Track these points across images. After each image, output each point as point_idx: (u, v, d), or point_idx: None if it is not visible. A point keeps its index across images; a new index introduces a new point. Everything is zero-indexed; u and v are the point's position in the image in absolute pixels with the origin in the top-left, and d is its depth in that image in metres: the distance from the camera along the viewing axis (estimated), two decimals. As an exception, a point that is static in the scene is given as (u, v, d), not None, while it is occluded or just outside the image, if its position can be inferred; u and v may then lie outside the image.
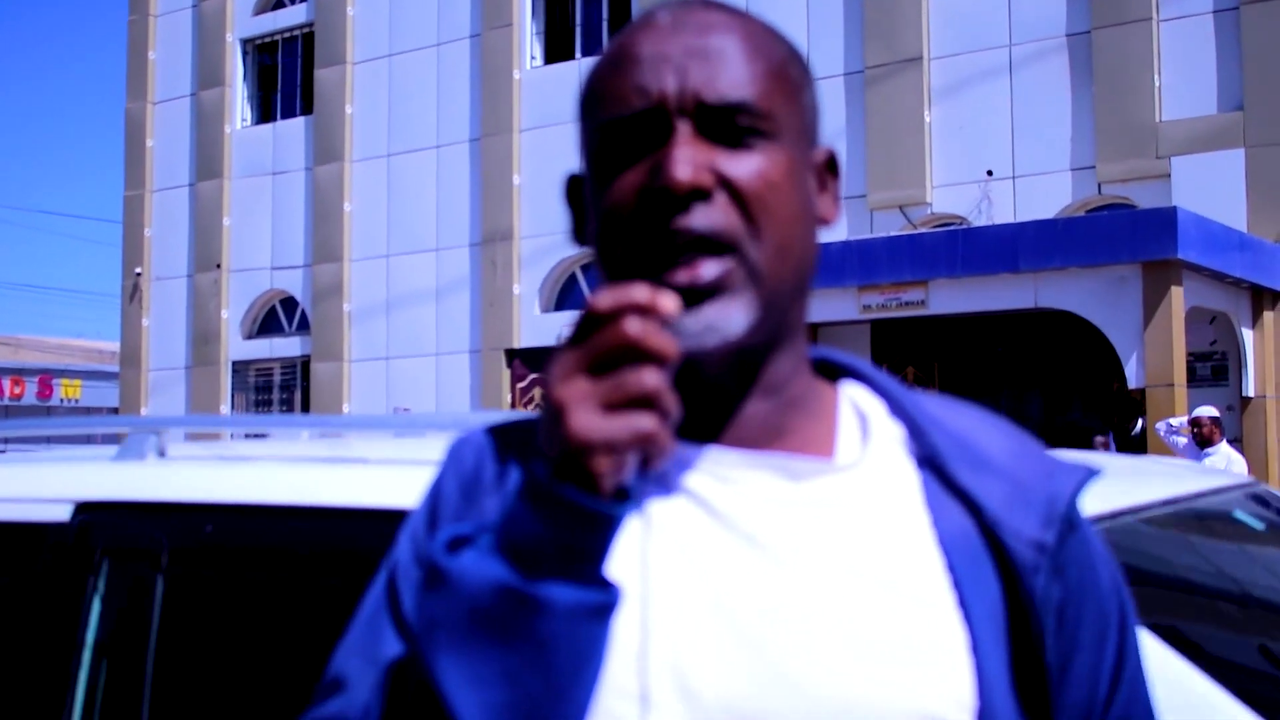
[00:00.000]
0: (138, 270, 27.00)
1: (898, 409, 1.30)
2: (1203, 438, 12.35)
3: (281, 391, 25.53)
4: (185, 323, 26.35)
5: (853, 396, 1.31)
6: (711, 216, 1.15)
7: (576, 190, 1.30)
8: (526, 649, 1.01)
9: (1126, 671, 1.27)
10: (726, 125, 1.18)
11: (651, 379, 0.99)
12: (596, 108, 1.21)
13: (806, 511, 1.19)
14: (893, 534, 1.20)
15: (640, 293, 1.00)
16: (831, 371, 1.33)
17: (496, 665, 1.02)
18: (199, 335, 25.96)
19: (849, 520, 1.20)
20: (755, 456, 1.21)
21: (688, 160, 1.14)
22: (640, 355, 0.99)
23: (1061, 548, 1.22)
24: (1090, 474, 1.27)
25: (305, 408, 24.60)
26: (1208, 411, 12.48)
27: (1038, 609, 1.20)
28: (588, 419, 0.99)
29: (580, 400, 1.00)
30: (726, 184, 1.16)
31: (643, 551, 1.16)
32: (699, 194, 1.14)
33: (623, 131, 1.19)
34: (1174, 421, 12.58)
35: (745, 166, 1.17)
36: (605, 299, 1.00)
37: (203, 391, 25.71)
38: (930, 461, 1.25)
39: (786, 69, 1.23)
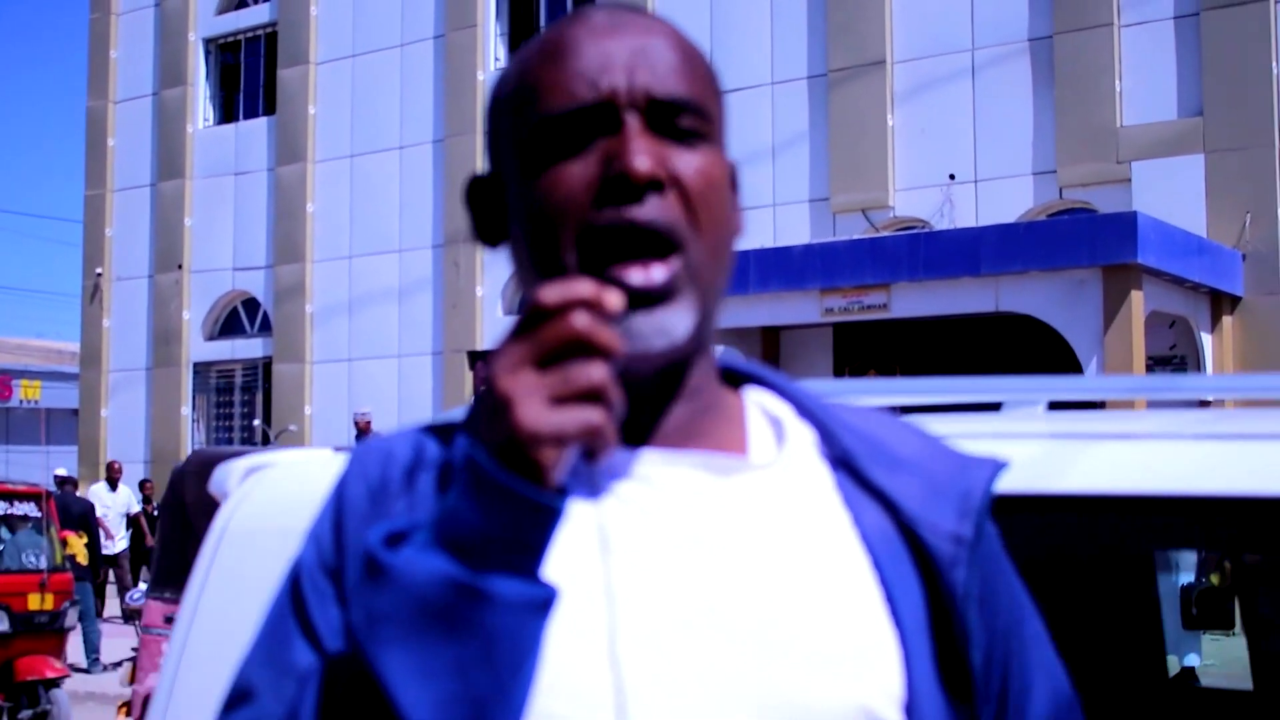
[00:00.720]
0: (98, 270, 26.85)
1: (806, 412, 1.31)
2: None
3: (243, 393, 25.43)
4: (146, 323, 26.21)
5: (760, 401, 1.32)
6: (664, 210, 1.17)
7: (480, 192, 1.31)
8: (473, 642, 1.01)
9: (1039, 657, 1.30)
10: (670, 123, 1.20)
11: (599, 372, 1.00)
12: (531, 102, 1.22)
13: (731, 506, 1.20)
14: (817, 531, 1.22)
15: (586, 288, 1.00)
16: (734, 379, 1.34)
17: (443, 658, 1.01)
18: (160, 336, 25.83)
19: (774, 516, 1.21)
20: (678, 454, 1.22)
21: (645, 151, 1.16)
22: (587, 349, 1.00)
23: (978, 540, 1.24)
24: (1000, 466, 1.29)
25: (266, 410, 24.50)
26: None
27: (958, 602, 1.22)
28: (536, 412, 0.99)
29: (528, 393, 1.00)
30: (676, 181, 1.18)
31: (599, 553, 1.17)
32: (654, 185, 1.16)
33: (563, 126, 1.19)
34: None
35: (690, 164, 1.20)
36: (552, 293, 1.01)
37: (163, 393, 25.58)
38: (843, 462, 1.27)
39: (714, 78, 1.27)
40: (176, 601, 9.05)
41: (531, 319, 1.01)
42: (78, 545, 12.41)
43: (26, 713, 11.10)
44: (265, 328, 24.94)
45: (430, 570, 1.01)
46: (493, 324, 21.82)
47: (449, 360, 22.07)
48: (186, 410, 25.47)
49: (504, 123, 1.26)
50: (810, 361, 17.16)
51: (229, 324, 25.75)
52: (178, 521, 9.05)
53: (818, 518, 1.22)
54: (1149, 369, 14.49)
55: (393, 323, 23.01)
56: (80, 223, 27.57)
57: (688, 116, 1.20)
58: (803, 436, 1.29)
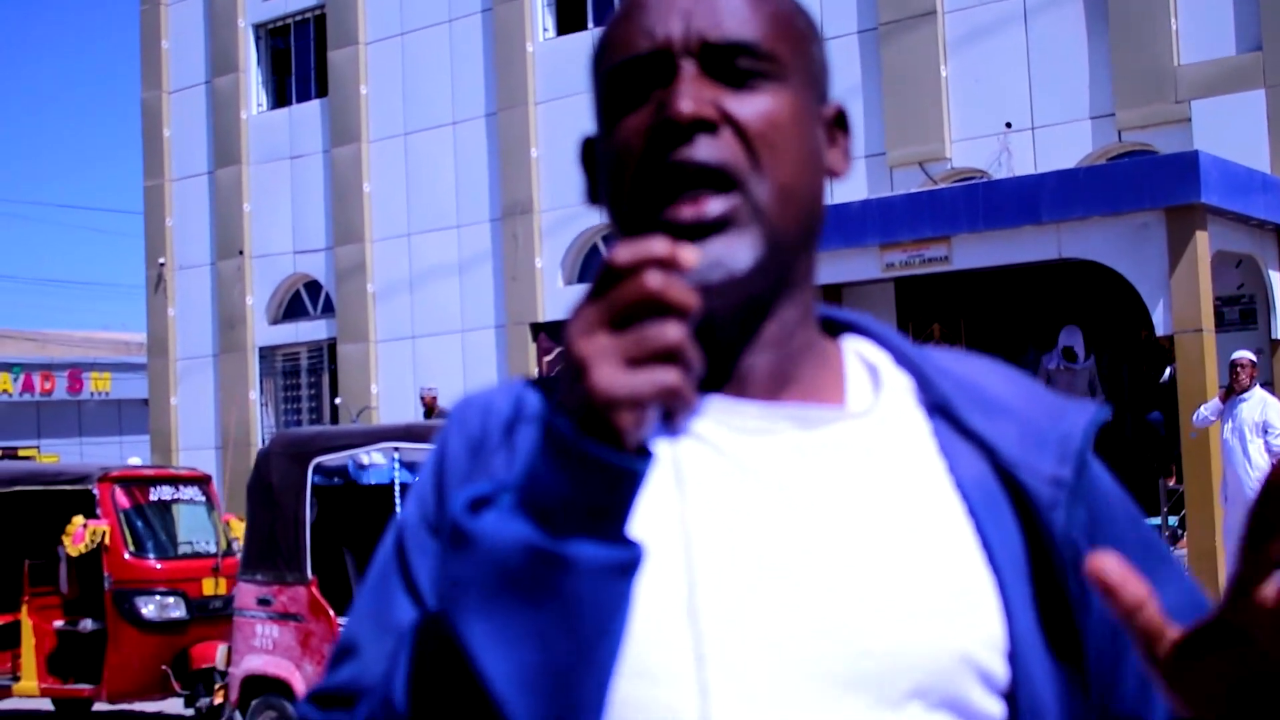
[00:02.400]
0: (160, 260, 27.08)
1: (903, 360, 1.31)
2: (1238, 383, 12.34)
3: (309, 375, 25.60)
4: (210, 310, 26.43)
5: (858, 349, 1.32)
6: (716, 149, 1.17)
7: (591, 152, 1.32)
8: (554, 608, 1.00)
9: (1183, 589, 1.27)
10: (731, 66, 1.20)
11: (674, 332, 0.98)
12: (606, 56, 1.24)
13: (826, 457, 1.20)
14: (912, 479, 1.21)
15: (659, 246, 0.99)
16: (833, 329, 1.34)
17: (525, 626, 1.01)
18: (224, 322, 26.04)
19: (868, 466, 1.21)
20: (770, 406, 1.22)
21: (690, 94, 1.16)
22: (662, 309, 0.98)
23: (1078, 482, 1.23)
24: (1100, 412, 1.28)
25: (333, 391, 24.67)
26: (1243, 355, 12.47)
27: (1058, 545, 1.20)
28: (612, 374, 0.98)
29: (603, 355, 0.98)
30: (732, 122, 1.18)
31: (677, 505, 1.16)
32: (703, 125, 1.16)
33: (629, 76, 1.21)
34: (1204, 410, 12.57)
35: (750, 105, 1.19)
36: (624, 253, 0.99)
37: (230, 378, 25.80)
38: (940, 409, 1.27)
39: (792, 17, 1.26)
40: (268, 584, 9.17)
41: (606, 279, 1.00)
42: (240, 529, 12.52)
43: (205, 700, 11.05)
44: (328, 309, 25.08)
45: (510, 536, 1.01)
46: (554, 295, 21.84)
47: (512, 333, 22.13)
48: (254, 394, 25.67)
49: (592, 81, 1.29)
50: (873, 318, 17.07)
51: (292, 307, 25.92)
52: (265, 503, 9.13)
53: (912, 466, 1.22)
54: (1217, 310, 14.33)
55: (454, 298, 23.08)
56: (140, 214, 27.83)
57: (747, 58, 1.20)
58: (899, 384, 1.29)
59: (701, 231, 1.15)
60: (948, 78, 18.56)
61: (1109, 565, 0.95)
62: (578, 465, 1.00)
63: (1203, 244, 13.36)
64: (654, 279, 0.98)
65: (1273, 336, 15.41)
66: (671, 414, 1.02)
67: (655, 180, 1.17)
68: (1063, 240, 14.03)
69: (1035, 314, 16.96)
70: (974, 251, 14.63)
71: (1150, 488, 13.99)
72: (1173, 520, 13.66)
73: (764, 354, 1.23)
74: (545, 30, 22.77)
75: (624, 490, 1.01)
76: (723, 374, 1.21)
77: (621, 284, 0.99)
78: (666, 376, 0.98)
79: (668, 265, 0.99)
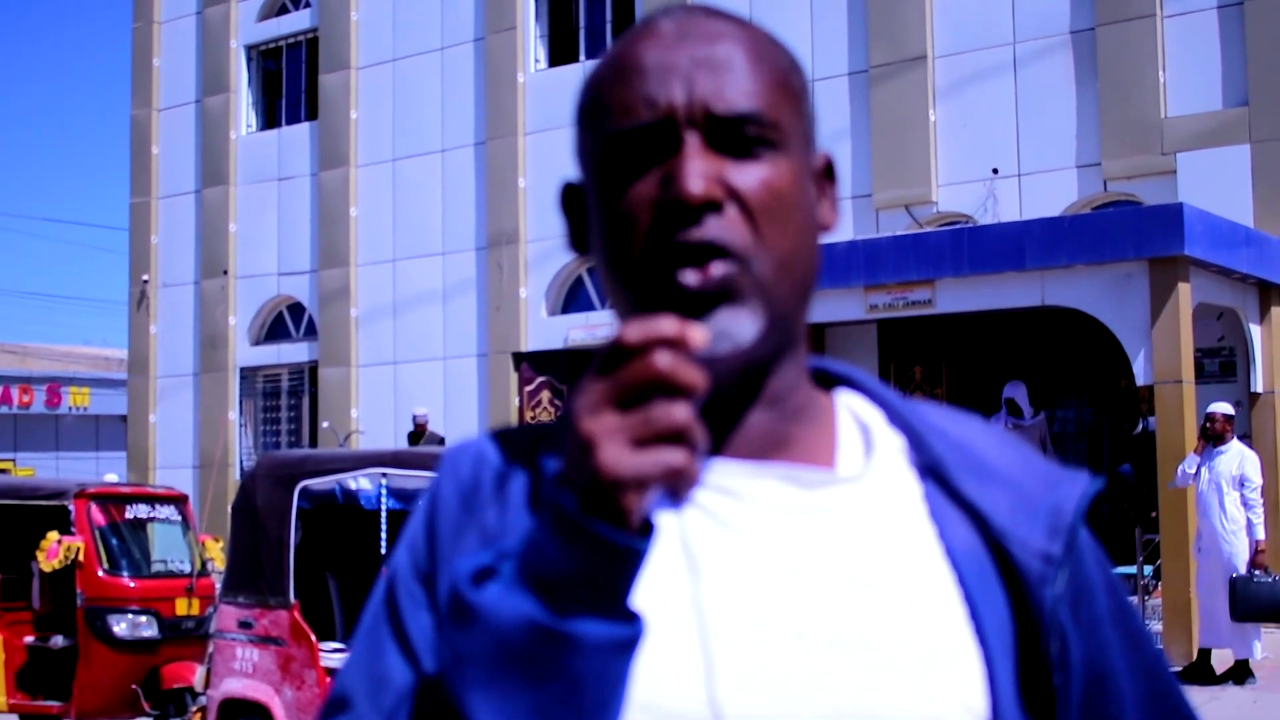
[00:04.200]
0: (145, 277, 27.02)
1: (897, 418, 1.30)
2: (1214, 434, 12.37)
3: (290, 397, 25.54)
4: (192, 329, 26.37)
5: (851, 405, 1.32)
6: (722, 228, 1.16)
7: (573, 198, 1.31)
8: (558, 685, 1.01)
9: (1146, 663, 1.29)
10: (735, 136, 1.18)
11: (682, 413, 0.98)
12: (601, 118, 1.22)
13: (817, 520, 1.20)
14: (902, 546, 1.21)
15: (668, 326, 0.99)
16: (827, 381, 1.33)
17: (528, 700, 1.01)
18: (206, 342, 25.98)
19: (859, 531, 1.20)
20: (761, 466, 1.21)
21: (699, 173, 1.15)
22: (670, 389, 0.98)
23: (1067, 558, 1.23)
24: (1093, 483, 1.29)
25: (313, 413, 24.61)
26: (1219, 408, 12.49)
27: (1045, 619, 1.21)
28: (619, 454, 0.98)
29: (610, 435, 0.99)
30: (735, 195, 1.17)
31: (683, 579, 1.16)
32: (710, 206, 1.15)
33: (630, 142, 1.19)
34: (1183, 466, 12.61)
35: (753, 178, 1.18)
36: (633, 332, 0.99)
37: (211, 398, 25.73)
38: (933, 471, 1.26)
39: (789, 78, 1.24)
40: (250, 607, 9.12)
41: (613, 357, 1.00)
42: (215, 549, 12.41)
43: None
44: (311, 332, 25.04)
45: (514, 612, 1.01)
46: (537, 325, 21.85)
47: (494, 362, 22.12)
48: (234, 415, 25.60)
49: (581, 135, 1.26)
50: (856, 359, 17.11)
51: (274, 329, 25.87)
52: (249, 525, 9.08)
53: (903, 532, 1.22)
54: (1197, 361, 14.40)
55: (437, 325, 23.07)
56: (126, 230, 27.75)
57: (752, 126, 1.19)
58: (892, 444, 1.28)
59: (707, 302, 1.15)
60: (936, 122, 18.65)
61: None
62: (583, 543, 1.00)
63: (1185, 296, 13.43)
64: (663, 359, 0.98)
65: (1252, 389, 15.47)
66: (676, 492, 1.02)
67: (663, 254, 1.16)
68: (1046, 287, 14.09)
69: (1017, 359, 17.01)
70: (958, 295, 14.68)
71: (1126, 538, 14.01)
72: (1148, 570, 13.69)
73: (760, 415, 1.23)
74: (536, 61, 22.84)
75: (627, 568, 1.01)
76: (718, 435, 1.21)
77: (630, 363, 0.99)
78: (673, 457, 0.98)
79: (676, 345, 0.99)
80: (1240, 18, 16.61)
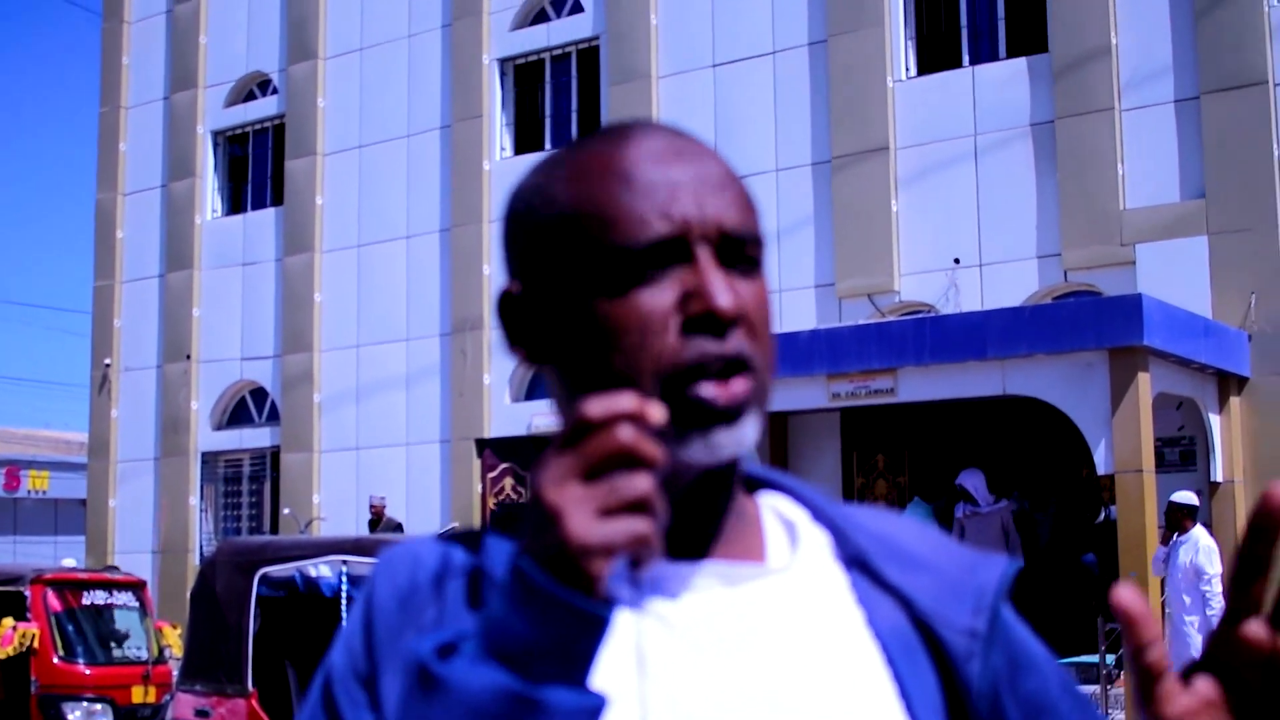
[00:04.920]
0: (107, 361, 26.92)
1: (820, 515, 1.35)
2: (1174, 525, 12.39)
3: (251, 483, 25.41)
4: (154, 413, 26.24)
5: (774, 505, 1.36)
6: (741, 342, 1.21)
7: (514, 305, 1.31)
8: None
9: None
10: (738, 253, 1.23)
11: (644, 483, 1.02)
12: (597, 228, 1.23)
13: (751, 615, 1.23)
14: (833, 631, 1.25)
15: (629, 402, 1.02)
16: (750, 486, 1.37)
17: None
18: (168, 425, 25.86)
19: (790, 621, 1.24)
20: (693, 566, 1.25)
21: (726, 289, 1.20)
22: (632, 461, 1.02)
23: (993, 634, 1.28)
24: (1011, 564, 1.33)
25: (275, 499, 24.47)
26: (1178, 498, 12.51)
27: (974, 696, 1.25)
28: (586, 523, 1.01)
29: (576, 505, 1.01)
30: (744, 312, 1.22)
31: (623, 667, 1.19)
32: (735, 321, 1.20)
33: (638, 255, 1.21)
34: (1159, 557, 12.64)
35: (752, 294, 1.24)
36: (596, 408, 1.02)
37: (171, 482, 25.57)
38: (858, 562, 1.30)
39: (756, 203, 1.30)
40: (207, 694, 9.01)
41: (577, 432, 1.03)
42: (172, 636, 12.26)
43: None
44: (273, 417, 24.96)
45: (485, 682, 1.02)
46: (500, 411, 21.83)
47: (457, 448, 22.07)
48: (194, 500, 25.44)
49: (550, 244, 1.26)
50: (818, 447, 17.17)
51: (237, 414, 25.78)
52: (208, 612, 9.01)
53: (832, 619, 1.25)
54: (1157, 450, 14.48)
55: (400, 411, 23.03)
56: (89, 314, 27.68)
57: (752, 246, 1.25)
58: (816, 539, 1.32)
59: (730, 415, 1.19)
60: (898, 212, 18.82)
61: (1133, 601, 1.04)
62: (549, 610, 1.02)
63: (1145, 385, 13.54)
64: (626, 433, 1.02)
65: (1212, 479, 15.57)
66: (638, 561, 1.05)
67: (682, 367, 1.19)
68: (1007, 376, 14.19)
69: (979, 448, 17.08)
70: (920, 384, 14.76)
71: (1089, 627, 14.02)
72: (1110, 659, 13.68)
73: (700, 515, 1.27)
74: (502, 149, 22.98)
75: (592, 635, 1.03)
76: (670, 536, 1.22)
77: (592, 437, 1.02)
78: (637, 526, 1.01)
79: (637, 420, 1.02)
80: (1197, 112, 16.87)
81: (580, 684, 1.04)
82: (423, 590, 1.24)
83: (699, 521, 1.26)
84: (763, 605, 1.24)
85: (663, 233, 1.21)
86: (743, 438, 1.20)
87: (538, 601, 1.02)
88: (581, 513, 1.01)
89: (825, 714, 1.19)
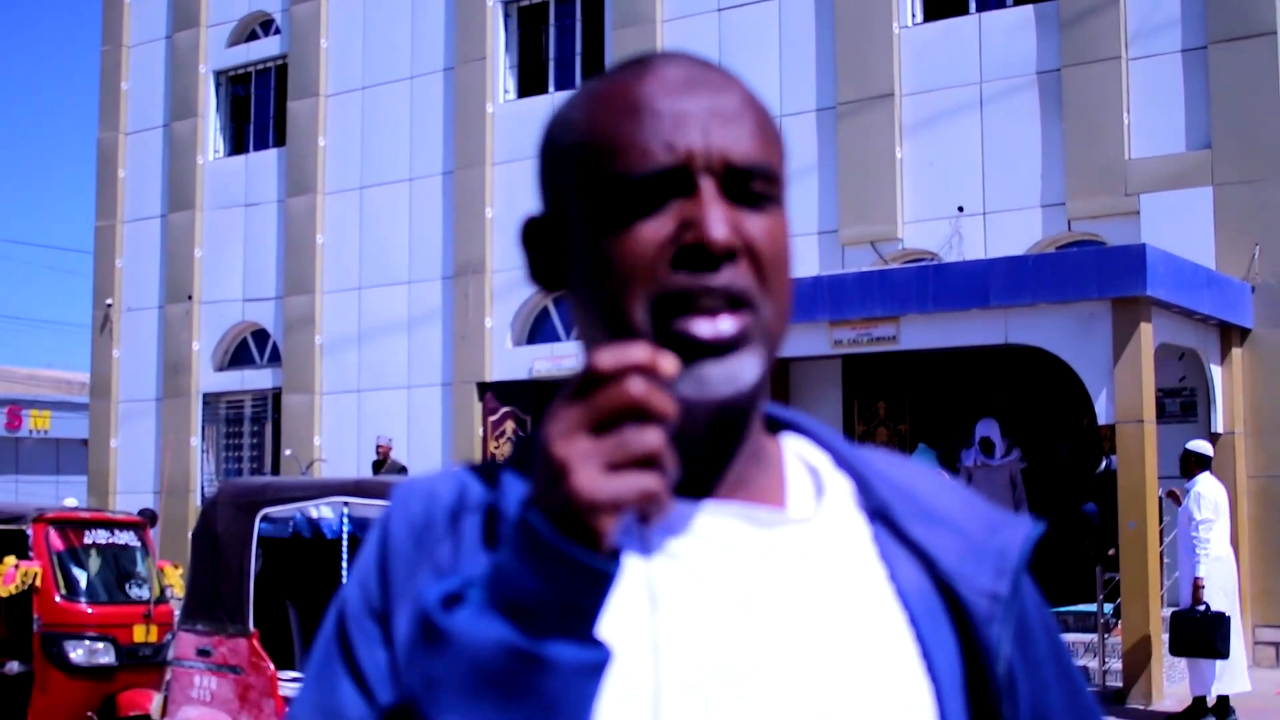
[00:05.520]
0: (108, 301, 26.90)
1: (843, 462, 1.33)
2: (1186, 471, 12.68)
3: (252, 424, 25.44)
4: (156, 354, 26.25)
5: (797, 449, 1.34)
6: (737, 275, 1.17)
7: (537, 233, 1.31)
8: (531, 708, 1.01)
9: (1080, 707, 1.33)
10: (745, 187, 1.20)
11: (654, 438, 1.00)
12: (605, 156, 1.21)
13: (771, 560, 1.22)
14: (854, 587, 1.23)
15: (641, 353, 1.01)
16: (772, 425, 1.35)
17: None
18: (169, 367, 25.87)
19: (812, 572, 1.22)
20: (719, 505, 1.23)
21: (722, 220, 1.17)
22: (642, 415, 1.00)
23: (1014, 598, 1.26)
24: (1036, 527, 1.32)
25: (276, 440, 24.51)
26: (1192, 446, 12.83)
27: (993, 658, 1.24)
28: (592, 478, 1.00)
29: (584, 459, 1.00)
30: (748, 245, 1.19)
31: (640, 614, 1.18)
32: (730, 255, 1.17)
33: (640, 184, 1.19)
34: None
35: (761, 228, 1.20)
36: (606, 359, 1.01)
37: (173, 423, 25.60)
38: (880, 514, 1.28)
39: (779, 133, 1.27)
40: (209, 634, 9.06)
41: (586, 383, 1.02)
42: (174, 576, 12.28)
43: None
44: (275, 359, 24.96)
45: (488, 635, 1.01)
46: (502, 355, 21.83)
47: (458, 391, 22.09)
48: (196, 441, 25.48)
49: (567, 171, 1.25)
50: (820, 394, 17.17)
51: (238, 355, 25.78)
52: (210, 552, 9.03)
53: (855, 573, 1.24)
54: (1158, 401, 14.49)
55: (402, 354, 23.03)
56: (91, 254, 27.64)
57: (760, 181, 1.21)
58: (840, 487, 1.30)
59: (720, 349, 1.17)
60: (902, 159, 18.76)
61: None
62: (555, 565, 1.01)
63: (1147, 336, 13.52)
64: (636, 386, 1.00)
65: (1212, 430, 15.58)
66: (647, 517, 1.04)
67: (674, 299, 1.17)
68: (1010, 326, 14.18)
69: (980, 397, 17.09)
70: (922, 332, 14.75)
71: (1087, 577, 14.07)
72: (1108, 608, 13.74)
73: (722, 456, 1.25)
74: (506, 92, 22.88)
75: (598, 590, 1.03)
76: (690, 477, 1.22)
77: (603, 389, 1.01)
78: (646, 481, 1.00)
79: (648, 372, 1.01)
80: (1204, 61, 16.77)
81: (584, 638, 1.03)
82: (438, 525, 1.23)
83: (714, 461, 1.24)
84: (784, 553, 1.22)
85: (664, 163, 1.19)
86: (734, 374, 1.17)
87: (543, 555, 1.01)
88: (589, 467, 1.00)
89: (845, 671, 1.18)
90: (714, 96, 1.22)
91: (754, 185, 1.21)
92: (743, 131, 1.21)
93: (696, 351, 1.16)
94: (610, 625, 1.11)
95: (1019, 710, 1.26)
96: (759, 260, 1.20)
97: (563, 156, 1.26)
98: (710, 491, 1.23)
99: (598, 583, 1.02)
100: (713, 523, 1.22)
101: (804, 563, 1.22)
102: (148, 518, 18.09)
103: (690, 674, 1.16)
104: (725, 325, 1.17)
